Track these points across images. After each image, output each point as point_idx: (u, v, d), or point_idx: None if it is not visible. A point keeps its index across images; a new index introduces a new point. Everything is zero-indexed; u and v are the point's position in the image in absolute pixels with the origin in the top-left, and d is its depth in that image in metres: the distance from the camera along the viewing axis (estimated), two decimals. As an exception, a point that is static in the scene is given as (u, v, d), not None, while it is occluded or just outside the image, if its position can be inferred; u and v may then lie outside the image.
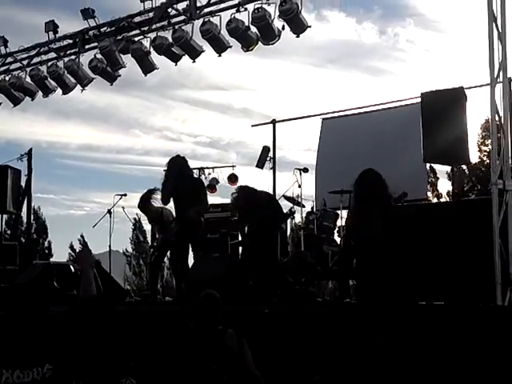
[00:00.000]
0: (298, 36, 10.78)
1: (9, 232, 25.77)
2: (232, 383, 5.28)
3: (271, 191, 14.31)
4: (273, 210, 10.07)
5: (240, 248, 10.87)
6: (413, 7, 59.55)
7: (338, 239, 10.77)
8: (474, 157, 24.90)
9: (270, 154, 15.07)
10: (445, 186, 30.49)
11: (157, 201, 10.89)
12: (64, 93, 13.61)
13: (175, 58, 12.20)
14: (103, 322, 5.04)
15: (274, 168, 14.99)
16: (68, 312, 5.74)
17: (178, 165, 10.36)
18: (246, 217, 10.59)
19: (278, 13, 10.59)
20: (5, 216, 17.67)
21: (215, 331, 5.83)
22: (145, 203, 11.04)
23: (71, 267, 13.25)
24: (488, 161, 25.38)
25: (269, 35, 11.06)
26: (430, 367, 6.38)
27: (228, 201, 12.00)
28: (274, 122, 15.44)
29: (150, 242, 12.13)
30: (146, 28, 12.32)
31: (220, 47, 11.58)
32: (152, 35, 12.23)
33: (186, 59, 12.16)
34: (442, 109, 8.24)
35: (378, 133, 13.16)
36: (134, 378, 4.90)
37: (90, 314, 5.06)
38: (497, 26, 7.83)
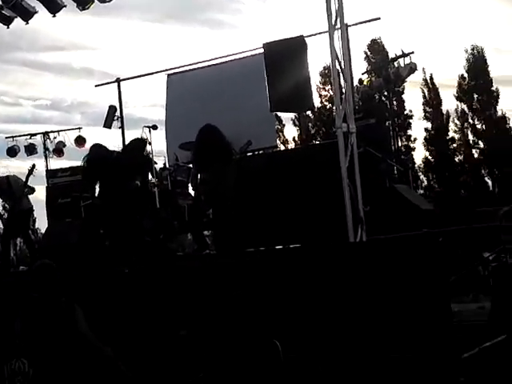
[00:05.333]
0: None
1: None
2: (66, 343, 5.83)
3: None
4: (122, 168, 9.95)
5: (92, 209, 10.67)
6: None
7: (192, 192, 10.82)
8: (316, 102, 25.65)
9: (117, 113, 14.81)
10: (291, 132, 31.29)
11: None
12: None
13: (7, 21, 11.59)
14: None
15: (122, 127, 14.76)
16: None
17: None
18: (95, 177, 10.43)
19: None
20: None
21: (51, 300, 6.01)
22: None
23: None
24: (329, 105, 26.21)
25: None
26: (291, 310, 6.59)
27: (77, 163, 11.75)
28: (118, 80, 15.16)
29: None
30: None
31: (54, 7, 11.09)
32: (-22, -2, 11.55)
33: (18, 21, 11.58)
34: (284, 58, 8.41)
35: (223, 85, 13.21)
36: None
37: None
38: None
